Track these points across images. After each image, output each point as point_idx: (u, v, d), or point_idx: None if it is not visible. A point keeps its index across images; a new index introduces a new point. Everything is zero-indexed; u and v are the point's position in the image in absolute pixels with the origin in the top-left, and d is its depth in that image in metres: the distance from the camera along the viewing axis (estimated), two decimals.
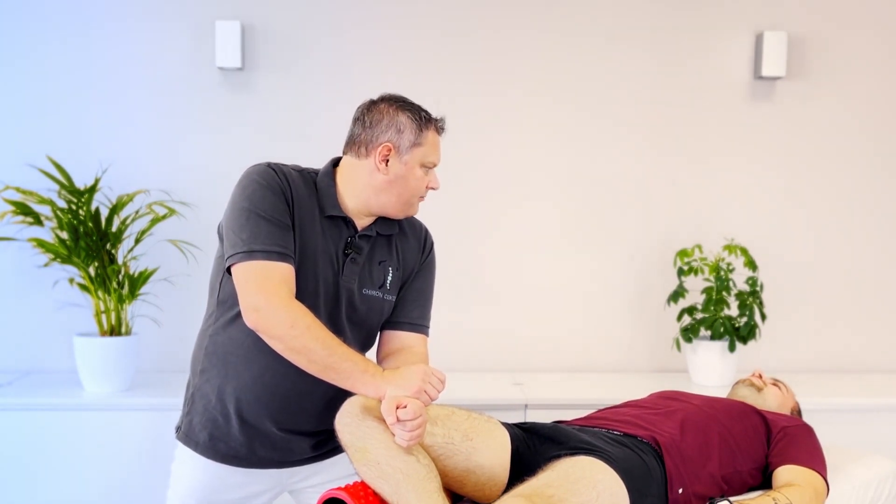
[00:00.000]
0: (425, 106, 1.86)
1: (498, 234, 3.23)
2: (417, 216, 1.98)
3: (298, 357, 1.68)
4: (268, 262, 1.69)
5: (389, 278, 1.89)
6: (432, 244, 2.00)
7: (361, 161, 1.82)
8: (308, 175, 1.85)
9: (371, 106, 1.83)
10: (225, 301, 1.82)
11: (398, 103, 1.82)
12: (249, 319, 1.68)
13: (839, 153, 3.31)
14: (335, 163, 1.88)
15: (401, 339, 1.92)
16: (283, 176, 1.78)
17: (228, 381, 1.81)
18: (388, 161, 1.79)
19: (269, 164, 1.80)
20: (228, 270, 1.75)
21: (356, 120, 1.84)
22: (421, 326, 1.94)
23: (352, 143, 1.84)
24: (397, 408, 1.59)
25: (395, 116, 1.79)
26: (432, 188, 1.86)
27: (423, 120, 1.81)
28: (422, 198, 1.87)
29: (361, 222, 1.86)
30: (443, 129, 1.86)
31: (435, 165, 1.85)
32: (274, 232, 1.72)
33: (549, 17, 3.20)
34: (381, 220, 1.89)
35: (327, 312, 1.81)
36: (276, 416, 1.82)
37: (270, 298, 1.66)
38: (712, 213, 3.28)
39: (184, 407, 1.91)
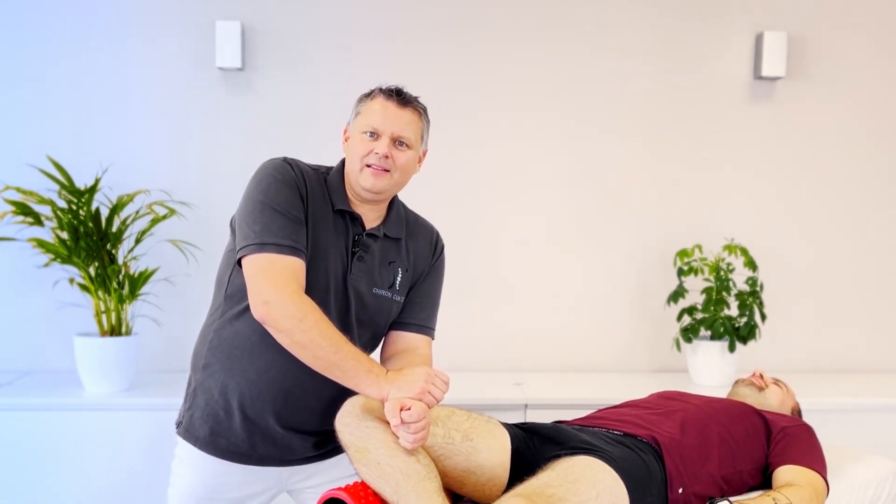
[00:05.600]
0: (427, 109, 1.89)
1: (498, 235, 3.23)
2: (428, 217, 2.01)
3: (304, 352, 1.68)
4: (279, 255, 1.70)
5: (399, 279, 1.90)
6: (443, 248, 2.01)
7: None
8: (321, 172, 1.87)
9: None
10: (233, 295, 1.83)
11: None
12: (258, 312, 1.69)
13: (839, 153, 3.32)
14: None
15: (406, 339, 1.92)
16: (299, 171, 1.80)
17: (232, 376, 1.82)
18: (347, 138, 1.87)
19: (285, 159, 1.82)
20: (239, 263, 1.75)
21: None
22: (427, 328, 1.95)
23: None
24: (401, 410, 1.59)
25: (355, 105, 1.88)
26: (376, 152, 1.78)
27: (369, 93, 1.85)
28: (375, 167, 1.78)
29: (370, 222, 1.87)
30: (393, 94, 1.81)
31: (377, 132, 1.79)
32: (287, 226, 1.72)
33: (550, 15, 3.20)
34: (390, 222, 1.90)
35: (337, 310, 1.81)
36: (279, 413, 1.83)
37: (280, 291, 1.66)
38: (712, 213, 3.28)
39: (184, 402, 1.91)
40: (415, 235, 1.95)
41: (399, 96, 1.82)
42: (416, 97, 1.86)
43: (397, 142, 1.81)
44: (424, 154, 1.91)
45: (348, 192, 1.86)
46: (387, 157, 1.78)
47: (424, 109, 1.87)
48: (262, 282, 1.68)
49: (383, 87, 1.83)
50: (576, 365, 3.26)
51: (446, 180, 3.16)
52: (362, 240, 1.85)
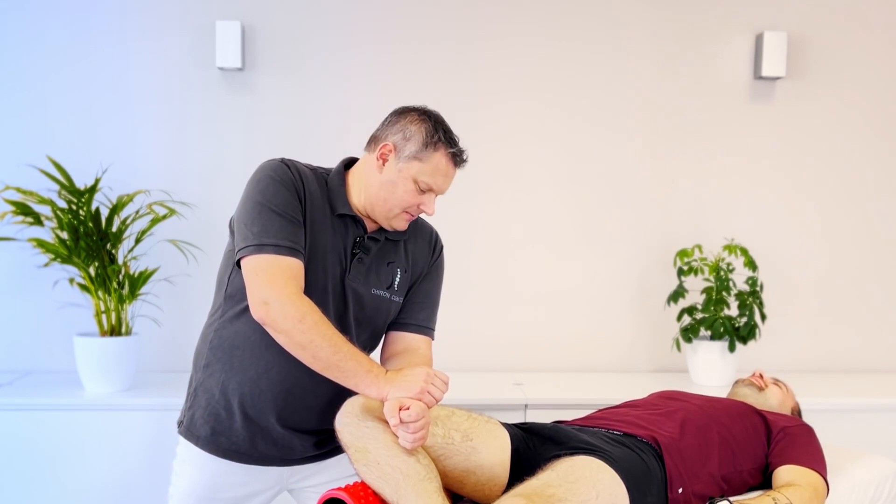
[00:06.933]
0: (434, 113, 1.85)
1: (498, 235, 3.23)
2: (427, 218, 2.00)
3: (303, 352, 1.68)
4: (278, 256, 1.70)
5: (397, 279, 1.90)
6: (442, 248, 2.01)
7: (370, 156, 1.83)
8: (320, 174, 1.86)
9: (401, 109, 1.83)
10: (233, 295, 1.83)
11: (424, 116, 1.80)
12: (257, 312, 1.69)
13: (839, 153, 3.32)
14: (346, 164, 1.90)
15: (406, 340, 1.92)
16: (297, 172, 1.79)
17: (233, 376, 1.82)
18: (385, 161, 1.79)
19: (282, 160, 1.81)
20: (238, 264, 1.75)
21: (384, 119, 1.85)
22: (427, 329, 1.95)
23: (370, 139, 1.86)
24: (400, 409, 1.59)
25: (410, 124, 1.79)
26: (424, 211, 1.82)
27: (435, 140, 1.77)
28: (411, 215, 1.82)
29: (371, 224, 1.87)
30: (459, 159, 1.81)
31: (431, 189, 1.79)
32: (285, 227, 1.72)
33: (550, 18, 3.21)
34: None
35: (335, 310, 1.81)
36: (280, 412, 1.83)
37: (280, 292, 1.66)
38: (712, 213, 3.28)
39: (186, 402, 1.91)
40: (414, 236, 1.95)
41: (461, 160, 1.82)
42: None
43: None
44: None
45: (350, 192, 1.85)
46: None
47: None
48: (262, 282, 1.68)
49: (451, 144, 1.79)
50: (576, 365, 3.26)
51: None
52: (364, 242, 1.85)
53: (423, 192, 1.79)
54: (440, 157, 1.78)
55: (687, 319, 3.05)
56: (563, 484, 1.57)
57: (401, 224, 1.83)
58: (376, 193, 1.80)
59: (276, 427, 1.84)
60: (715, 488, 1.89)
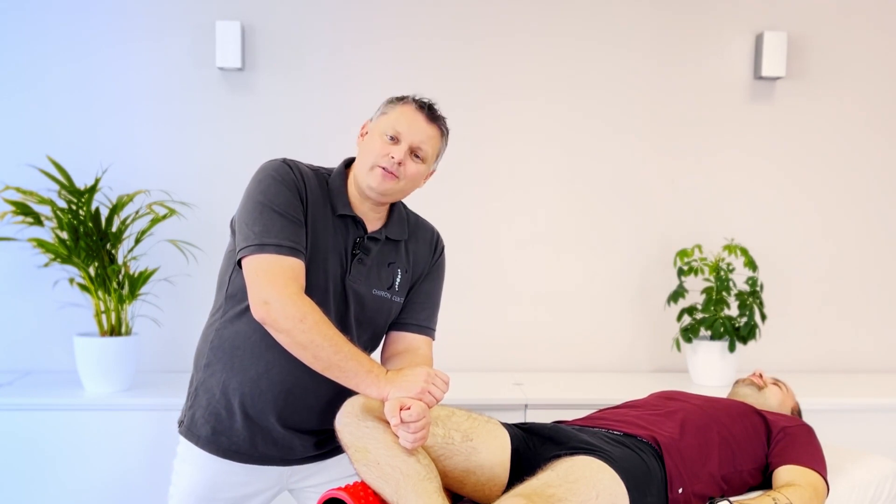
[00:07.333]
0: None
1: (498, 234, 3.23)
2: (427, 218, 2.00)
3: (304, 352, 1.68)
4: (279, 256, 1.70)
5: (398, 280, 1.90)
6: (443, 248, 2.01)
7: None
8: (321, 174, 1.87)
9: None
10: (234, 295, 1.83)
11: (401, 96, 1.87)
12: (258, 312, 1.69)
13: (839, 153, 3.32)
14: (347, 163, 1.90)
15: (407, 340, 1.92)
16: (299, 172, 1.80)
17: (233, 376, 1.82)
18: (364, 136, 1.87)
19: (284, 160, 1.82)
20: (239, 263, 1.75)
21: None
22: (427, 329, 1.95)
23: None
24: (401, 409, 1.59)
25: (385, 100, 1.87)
26: (392, 157, 1.77)
27: (401, 97, 1.85)
28: (386, 170, 1.78)
29: (371, 224, 1.87)
30: (425, 106, 1.82)
31: (399, 137, 1.79)
32: (286, 227, 1.73)
33: (549, 18, 3.21)
34: (392, 224, 1.90)
35: (336, 311, 1.82)
36: (280, 413, 1.83)
37: (281, 292, 1.66)
38: (712, 213, 3.28)
39: (186, 401, 1.92)
40: (415, 236, 1.95)
41: (430, 111, 1.82)
42: (444, 117, 1.85)
43: (414, 153, 1.80)
44: (431, 174, 1.91)
45: (351, 191, 1.85)
46: (400, 163, 1.78)
47: (448, 131, 1.87)
48: (263, 282, 1.68)
49: (416, 97, 1.83)
50: (576, 365, 3.26)
51: (445, 179, 3.15)
52: (364, 243, 1.85)
53: (392, 143, 1.80)
54: (406, 105, 1.82)
55: (687, 319, 3.05)
56: (563, 484, 1.57)
57: (375, 180, 1.79)
58: (358, 161, 1.84)
59: (276, 427, 1.84)
60: (715, 488, 1.89)
